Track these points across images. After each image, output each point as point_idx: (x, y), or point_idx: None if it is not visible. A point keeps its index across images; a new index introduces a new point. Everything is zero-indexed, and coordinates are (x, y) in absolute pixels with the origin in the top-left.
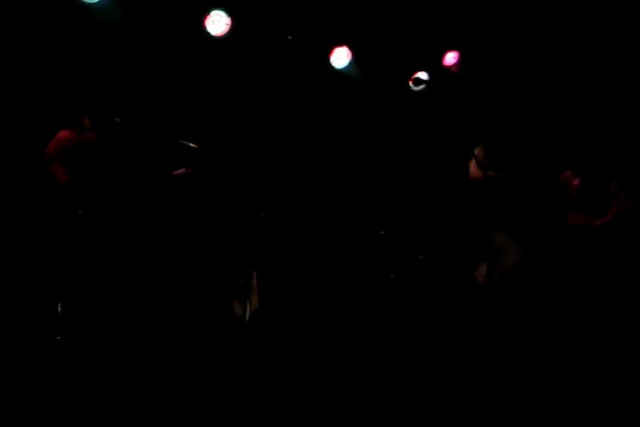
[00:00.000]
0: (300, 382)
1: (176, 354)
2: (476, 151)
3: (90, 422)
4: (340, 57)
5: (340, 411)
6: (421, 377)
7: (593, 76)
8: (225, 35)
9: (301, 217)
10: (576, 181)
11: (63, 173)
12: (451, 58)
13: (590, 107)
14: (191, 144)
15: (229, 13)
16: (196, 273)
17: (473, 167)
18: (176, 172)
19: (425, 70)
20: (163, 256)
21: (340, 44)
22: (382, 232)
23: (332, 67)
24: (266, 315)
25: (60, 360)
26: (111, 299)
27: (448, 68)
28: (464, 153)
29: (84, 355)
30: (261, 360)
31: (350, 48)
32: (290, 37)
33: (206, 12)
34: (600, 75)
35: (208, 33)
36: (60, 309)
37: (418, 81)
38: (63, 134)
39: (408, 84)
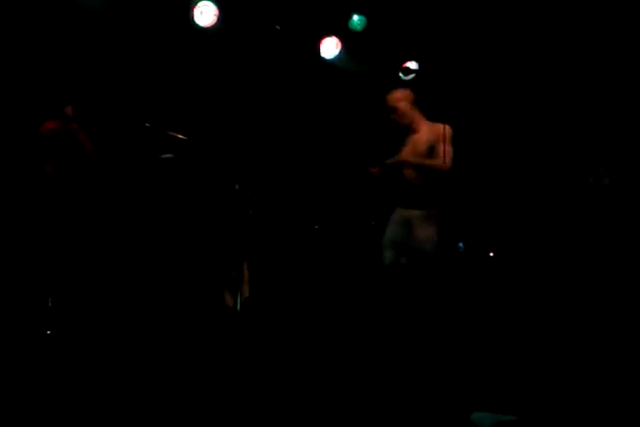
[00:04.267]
0: (291, 373)
1: (167, 345)
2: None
3: (83, 412)
4: (330, 47)
5: (331, 400)
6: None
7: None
8: (213, 25)
9: (292, 208)
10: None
11: (47, 165)
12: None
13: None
14: (180, 136)
15: (217, 4)
16: (186, 264)
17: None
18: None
19: (414, 60)
20: (152, 247)
21: (329, 35)
22: (373, 222)
23: (322, 57)
24: (257, 305)
25: (51, 348)
26: (100, 289)
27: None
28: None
29: (73, 346)
30: (252, 351)
31: (340, 38)
32: (278, 27)
33: (194, 3)
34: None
35: (196, 23)
36: (49, 301)
37: (407, 70)
38: (47, 126)
39: (397, 73)
